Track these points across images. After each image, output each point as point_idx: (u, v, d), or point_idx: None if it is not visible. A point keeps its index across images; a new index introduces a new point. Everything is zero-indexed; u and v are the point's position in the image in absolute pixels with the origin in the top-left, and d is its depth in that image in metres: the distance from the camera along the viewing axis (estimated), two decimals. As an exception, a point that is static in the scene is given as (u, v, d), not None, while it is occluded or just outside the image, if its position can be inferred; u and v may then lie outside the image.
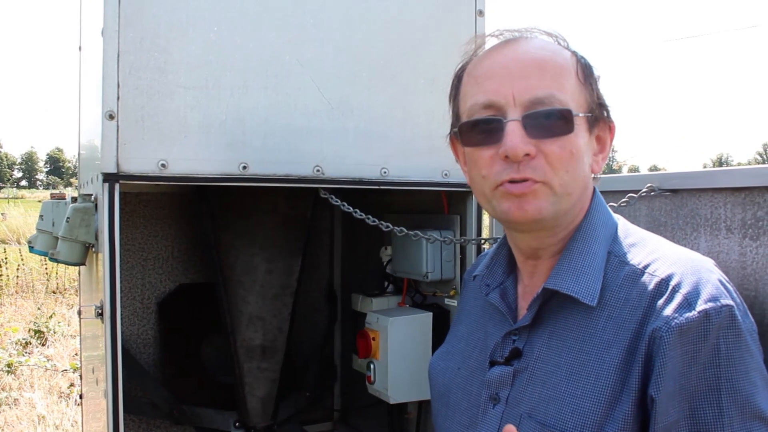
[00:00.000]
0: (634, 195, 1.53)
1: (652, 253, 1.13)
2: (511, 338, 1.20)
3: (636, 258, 1.13)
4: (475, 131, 1.15)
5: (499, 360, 1.20)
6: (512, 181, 1.10)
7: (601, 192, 1.59)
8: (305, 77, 1.76)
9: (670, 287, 1.04)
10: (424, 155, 1.90)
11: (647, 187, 1.51)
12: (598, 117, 1.17)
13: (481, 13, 1.97)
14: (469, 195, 1.97)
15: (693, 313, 1.00)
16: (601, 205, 1.23)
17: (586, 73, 1.16)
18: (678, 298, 1.02)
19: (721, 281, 1.06)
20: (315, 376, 2.61)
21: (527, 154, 1.08)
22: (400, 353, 1.98)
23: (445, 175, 1.91)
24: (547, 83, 1.10)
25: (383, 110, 1.85)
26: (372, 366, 2.02)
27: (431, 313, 2.04)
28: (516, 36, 1.18)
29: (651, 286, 1.07)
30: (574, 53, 1.17)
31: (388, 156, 1.85)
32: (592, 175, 1.20)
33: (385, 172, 1.84)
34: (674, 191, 1.47)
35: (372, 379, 2.03)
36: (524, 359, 1.16)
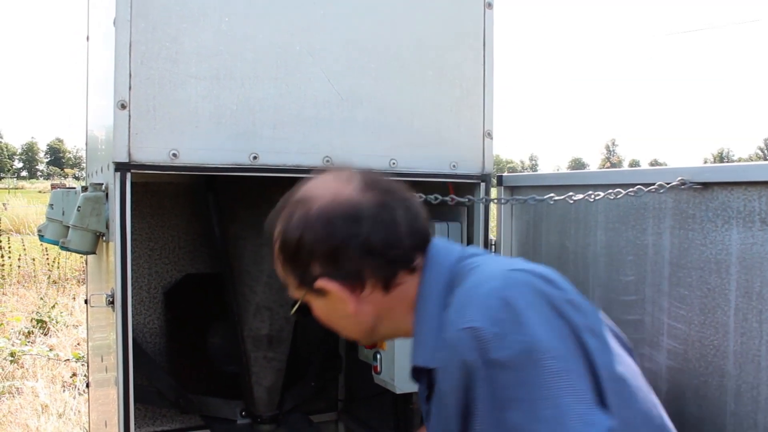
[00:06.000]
0: (660, 186, 1.52)
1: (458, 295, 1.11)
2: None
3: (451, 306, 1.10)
4: None
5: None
6: None
7: (623, 185, 1.58)
8: (315, 68, 1.76)
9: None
10: (432, 146, 1.91)
11: (678, 180, 1.50)
12: (311, 283, 1.15)
13: (489, 5, 1.97)
14: (476, 186, 1.98)
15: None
16: (434, 262, 1.18)
17: (287, 253, 1.15)
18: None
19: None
20: (320, 366, 2.62)
21: None
22: (407, 343, 1.98)
23: (453, 166, 1.92)
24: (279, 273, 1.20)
25: (392, 101, 1.86)
26: (379, 356, 2.04)
27: (438, 304, 2.04)
28: None
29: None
30: (278, 238, 1.17)
31: (397, 147, 1.86)
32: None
33: (393, 163, 1.85)
34: (704, 184, 1.47)
35: (378, 368, 2.04)
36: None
